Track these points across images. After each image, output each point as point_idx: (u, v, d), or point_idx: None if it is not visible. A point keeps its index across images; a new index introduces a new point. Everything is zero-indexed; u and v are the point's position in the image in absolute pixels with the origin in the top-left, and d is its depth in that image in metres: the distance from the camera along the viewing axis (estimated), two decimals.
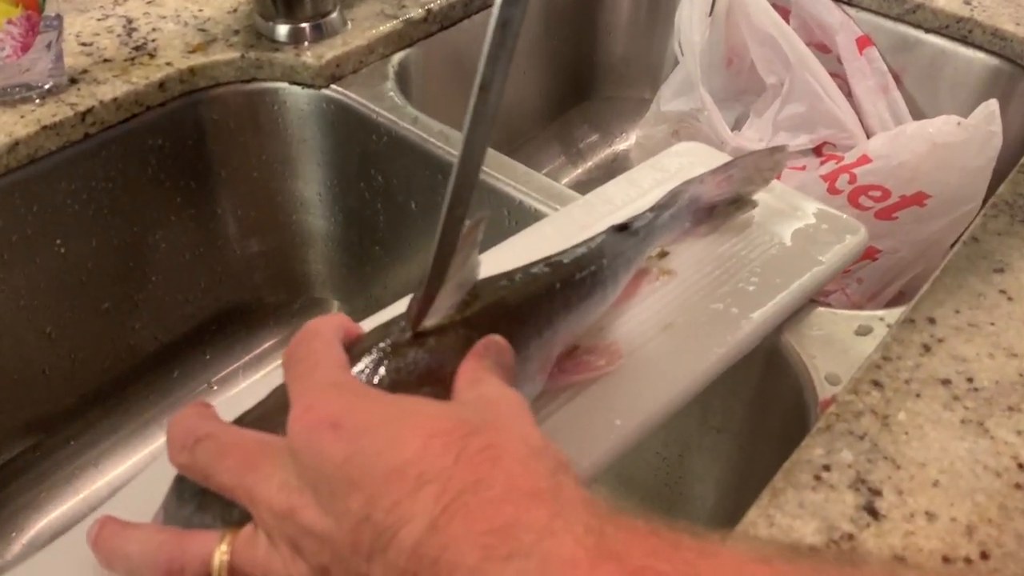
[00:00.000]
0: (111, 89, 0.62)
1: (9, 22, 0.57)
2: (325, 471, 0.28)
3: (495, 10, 0.29)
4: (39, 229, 0.62)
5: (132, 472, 0.72)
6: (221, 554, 0.30)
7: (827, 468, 0.40)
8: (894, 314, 0.49)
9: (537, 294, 0.40)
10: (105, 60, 0.65)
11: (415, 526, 0.26)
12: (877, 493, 0.39)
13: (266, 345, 0.81)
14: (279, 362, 0.88)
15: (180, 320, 0.75)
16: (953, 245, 0.71)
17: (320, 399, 0.30)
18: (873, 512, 0.38)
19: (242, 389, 0.78)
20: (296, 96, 0.69)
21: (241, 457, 0.30)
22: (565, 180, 0.97)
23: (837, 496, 0.39)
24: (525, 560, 0.25)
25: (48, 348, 0.66)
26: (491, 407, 0.31)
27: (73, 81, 0.63)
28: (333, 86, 0.68)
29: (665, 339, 0.44)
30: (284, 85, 0.68)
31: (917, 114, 0.81)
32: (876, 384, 0.44)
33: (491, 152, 0.63)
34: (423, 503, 0.26)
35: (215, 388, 0.78)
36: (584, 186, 0.97)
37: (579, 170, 0.98)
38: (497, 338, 0.35)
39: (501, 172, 0.61)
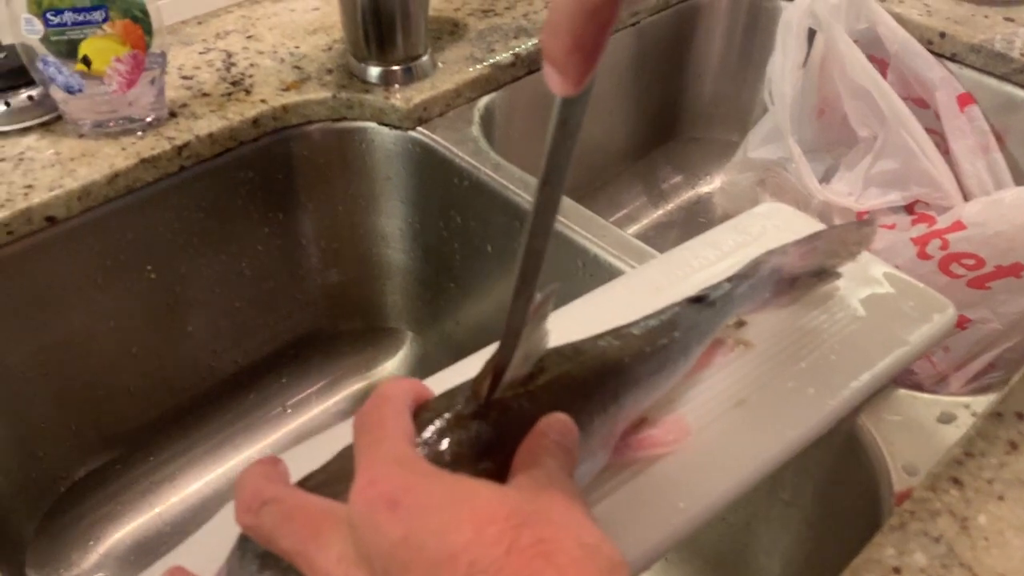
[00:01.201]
0: (207, 124, 0.64)
1: (117, 59, 0.59)
2: (381, 549, 0.28)
3: (555, 110, 0.29)
4: (132, 255, 0.64)
5: (206, 489, 0.74)
6: None
7: (897, 571, 0.38)
8: (980, 403, 0.47)
9: (604, 368, 0.39)
10: (204, 94, 0.68)
11: None
12: None
13: (340, 371, 0.83)
14: (352, 388, 0.89)
15: (259, 345, 0.77)
16: None
17: (382, 475, 0.30)
18: None
19: (314, 414, 0.80)
20: (383, 136, 0.70)
21: (304, 523, 0.31)
22: (645, 221, 0.96)
23: None
24: None
25: (133, 367, 0.69)
26: (545, 495, 0.31)
27: (172, 114, 0.65)
28: (420, 128, 0.69)
29: (736, 417, 0.43)
30: (372, 125, 0.70)
31: (1020, 178, 0.77)
32: (956, 482, 0.42)
33: (568, 202, 0.63)
34: None
35: (289, 411, 0.80)
36: (664, 228, 0.96)
37: (660, 211, 0.97)
38: (561, 417, 0.35)
39: (578, 223, 0.61)
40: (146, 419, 0.72)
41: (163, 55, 0.63)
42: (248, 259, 0.72)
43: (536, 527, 0.28)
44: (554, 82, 0.29)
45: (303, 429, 0.79)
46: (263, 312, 0.76)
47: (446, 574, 0.27)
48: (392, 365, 0.84)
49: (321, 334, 0.82)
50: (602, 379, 0.39)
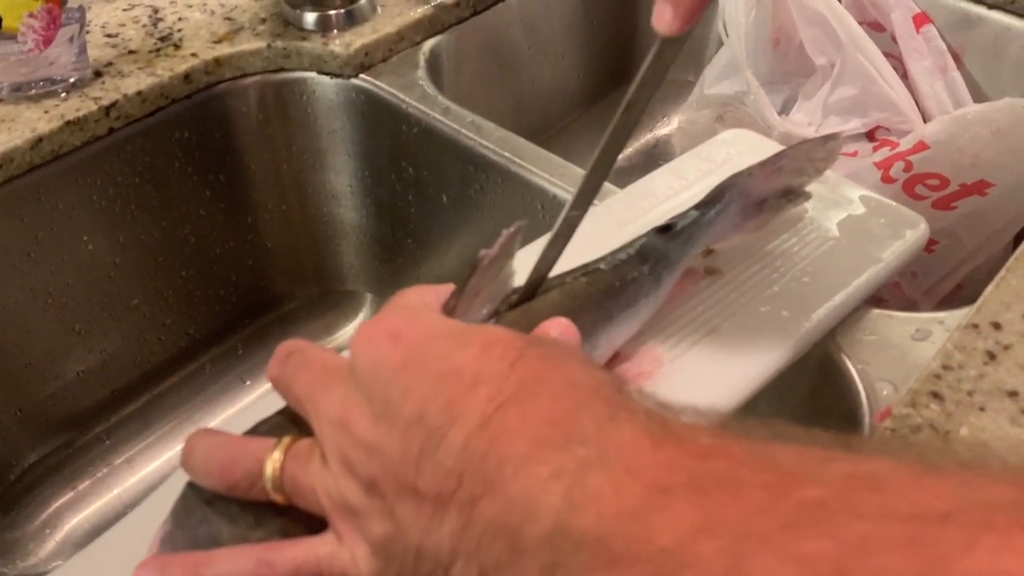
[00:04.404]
0: (136, 82, 0.61)
1: (30, 15, 0.55)
2: (381, 378, 0.28)
3: (654, 48, 0.33)
4: (66, 226, 0.61)
5: (165, 469, 0.71)
6: (273, 461, 0.30)
7: None
8: (955, 317, 0.46)
9: (574, 306, 0.37)
10: (130, 52, 0.64)
11: (466, 423, 0.25)
12: None
13: (298, 338, 0.80)
14: None
15: (211, 315, 0.74)
16: (1018, 239, 0.67)
17: (387, 316, 0.31)
18: None
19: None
20: (325, 86, 0.67)
21: (318, 372, 0.31)
22: None
23: None
24: (582, 446, 0.24)
25: (78, 345, 0.66)
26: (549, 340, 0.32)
27: (98, 74, 0.61)
28: (362, 75, 0.66)
29: (709, 344, 0.42)
30: (312, 75, 0.66)
31: (978, 96, 0.76)
32: (936, 396, 0.41)
33: (524, 143, 0.61)
34: (476, 401, 0.26)
35: (248, 383, 0.77)
36: (623, 173, 0.94)
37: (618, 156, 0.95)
38: (562, 320, 0.34)
39: (535, 164, 0.59)
40: (97, 399, 0.69)
41: (81, 9, 0.59)
42: (191, 225, 0.69)
43: (541, 347, 0.28)
44: (665, 18, 0.32)
45: (263, 400, 0.76)
46: (212, 281, 0.73)
47: (449, 387, 0.26)
48: (352, 329, 0.81)
49: (276, 301, 0.79)
50: (573, 317, 0.37)
